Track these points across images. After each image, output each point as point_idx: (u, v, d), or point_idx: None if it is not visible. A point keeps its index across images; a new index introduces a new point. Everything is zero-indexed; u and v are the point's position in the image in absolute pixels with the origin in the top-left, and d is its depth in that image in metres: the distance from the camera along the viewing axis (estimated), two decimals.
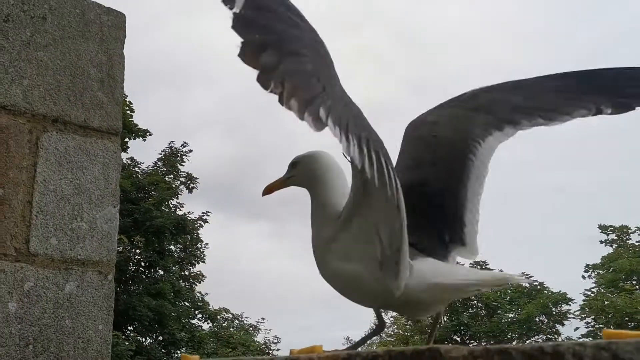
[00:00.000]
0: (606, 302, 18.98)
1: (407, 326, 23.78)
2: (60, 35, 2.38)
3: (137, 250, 19.49)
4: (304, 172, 2.04)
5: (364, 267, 1.76)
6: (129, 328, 19.31)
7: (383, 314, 1.96)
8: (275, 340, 27.27)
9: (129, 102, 19.14)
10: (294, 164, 2.07)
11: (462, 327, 21.59)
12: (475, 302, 22.61)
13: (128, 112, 18.86)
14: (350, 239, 1.80)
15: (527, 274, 22.99)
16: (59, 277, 2.21)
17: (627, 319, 17.53)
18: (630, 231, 25.14)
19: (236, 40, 1.41)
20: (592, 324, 19.67)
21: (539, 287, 22.85)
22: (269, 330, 27.58)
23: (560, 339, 20.59)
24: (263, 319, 27.35)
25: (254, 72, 1.40)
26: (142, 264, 20.31)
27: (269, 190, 2.12)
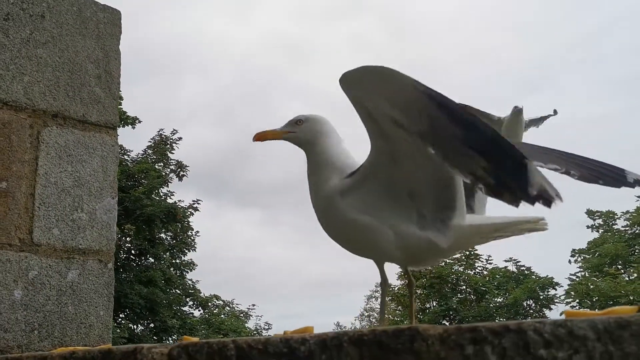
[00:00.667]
0: (591, 286, 19.36)
1: (397, 311, 24.10)
2: (58, 32, 2.46)
3: (128, 239, 19.53)
4: (309, 130, 2.12)
5: (392, 221, 1.90)
6: (121, 316, 19.41)
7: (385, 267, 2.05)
8: (267, 327, 27.52)
9: None
10: (299, 122, 2.14)
11: (451, 312, 21.91)
12: (464, 287, 22.92)
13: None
14: (371, 195, 1.93)
15: (514, 259, 23.32)
16: (61, 266, 2.32)
17: (611, 302, 17.89)
18: (616, 216, 25.53)
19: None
20: (577, 307, 20.06)
21: (526, 272, 23.21)
22: (260, 316, 27.84)
23: None
24: (254, 305, 27.60)
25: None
26: (133, 252, 20.38)
27: (261, 137, 2.19)
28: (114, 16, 2.69)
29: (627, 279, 19.36)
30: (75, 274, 2.35)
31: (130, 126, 20.05)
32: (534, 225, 1.98)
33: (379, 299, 2.28)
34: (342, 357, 1.16)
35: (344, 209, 1.94)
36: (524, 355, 1.06)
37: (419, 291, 23.16)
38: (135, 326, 19.80)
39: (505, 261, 23.80)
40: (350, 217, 1.93)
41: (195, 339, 1.54)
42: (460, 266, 23.34)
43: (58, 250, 2.32)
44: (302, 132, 2.12)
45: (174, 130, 21.73)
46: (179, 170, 21.33)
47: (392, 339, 1.14)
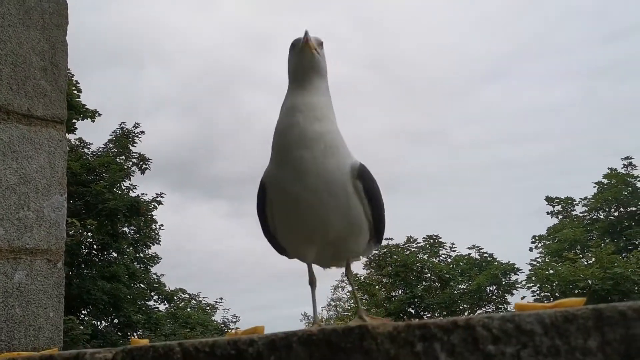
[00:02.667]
0: (551, 271, 19.86)
1: (364, 300, 24.29)
2: (0, 23, 2.35)
3: (89, 234, 19.10)
4: (324, 59, 1.88)
5: None
6: (84, 312, 19.02)
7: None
8: (234, 319, 27.37)
9: (76, 81, 18.54)
10: (321, 45, 1.88)
11: (416, 300, 22.17)
12: (429, 275, 23.22)
13: (75, 92, 18.28)
14: None
15: (477, 246, 23.77)
16: (7, 267, 2.22)
17: (571, 286, 18.40)
18: (574, 202, 26.26)
19: None
20: (537, 292, 20.57)
21: (489, 258, 23.64)
22: (228, 309, 27.65)
23: (509, 308, 21.42)
24: (221, 298, 27.40)
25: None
26: (95, 247, 19.95)
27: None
28: (60, 6, 2.58)
29: (585, 263, 19.91)
30: (23, 274, 2.26)
31: (89, 119, 19.55)
32: None
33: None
34: (291, 358, 1.13)
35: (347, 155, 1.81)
36: (472, 351, 1.05)
37: (384, 280, 23.40)
38: (99, 322, 19.43)
39: (469, 248, 24.21)
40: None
41: (144, 341, 1.49)
42: (425, 254, 23.62)
43: (3, 250, 2.23)
44: (323, 58, 1.87)
45: (137, 123, 21.32)
46: (141, 163, 20.94)
47: (341, 338, 1.11)
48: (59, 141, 2.45)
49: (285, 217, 1.80)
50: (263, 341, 1.15)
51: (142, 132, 21.27)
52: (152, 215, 20.94)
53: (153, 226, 21.31)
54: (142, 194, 20.58)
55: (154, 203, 20.82)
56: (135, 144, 21.04)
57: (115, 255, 20.28)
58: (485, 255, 23.98)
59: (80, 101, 18.65)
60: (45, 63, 2.47)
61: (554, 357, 1.01)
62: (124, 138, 20.97)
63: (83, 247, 19.37)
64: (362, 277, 23.05)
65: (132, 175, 20.65)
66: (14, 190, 2.29)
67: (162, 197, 21.00)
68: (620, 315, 0.99)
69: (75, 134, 19.65)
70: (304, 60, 1.81)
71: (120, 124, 21.27)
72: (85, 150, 20.58)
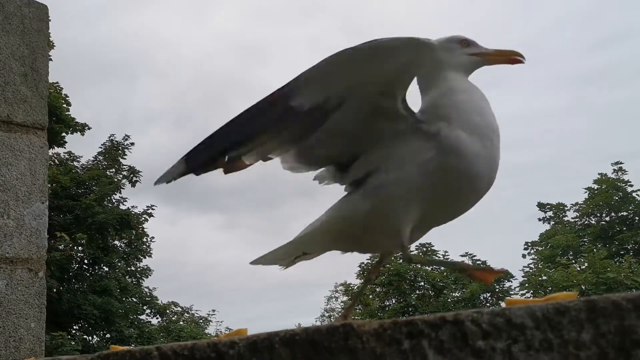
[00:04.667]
0: (544, 277, 19.85)
1: (357, 310, 24.19)
2: None
3: (80, 248, 18.92)
4: None
5: None
6: (75, 327, 18.80)
7: None
8: (228, 332, 27.12)
9: (65, 95, 18.46)
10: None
11: (409, 309, 22.10)
12: (422, 283, 23.15)
13: (64, 105, 18.19)
14: None
15: (470, 254, 23.76)
16: None
17: (564, 292, 18.39)
18: (566, 208, 26.33)
19: None
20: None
21: (482, 266, 23.62)
22: (221, 322, 27.44)
23: None
24: (214, 311, 27.19)
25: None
26: (86, 261, 19.76)
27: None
28: (41, 11, 2.54)
29: (578, 268, 19.93)
30: (2, 284, 2.19)
31: (79, 133, 19.43)
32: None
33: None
34: (274, 359, 1.09)
35: None
36: (461, 348, 1.01)
37: (377, 289, 23.30)
38: (90, 338, 19.20)
39: (462, 256, 24.20)
40: None
41: (123, 348, 1.44)
42: None
43: None
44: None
45: (126, 135, 21.22)
46: (131, 175, 20.82)
47: (325, 337, 1.07)
48: (40, 148, 2.40)
49: (456, 186, 1.79)
50: (244, 343, 1.10)
51: (132, 144, 21.20)
52: (143, 228, 20.78)
53: (144, 239, 21.14)
54: (133, 206, 20.46)
55: (144, 216, 20.68)
56: (125, 156, 20.93)
57: (107, 269, 20.09)
58: (478, 262, 23.96)
59: (70, 114, 18.55)
60: (26, 69, 2.42)
61: (546, 351, 0.96)
62: (113, 150, 20.85)
63: (74, 261, 19.18)
64: (354, 287, 22.93)
65: (123, 188, 20.52)
66: None
67: (152, 209, 20.87)
68: (614, 306, 0.95)
69: (64, 148, 19.55)
70: None
71: (109, 136, 21.19)
72: (75, 163, 20.46)
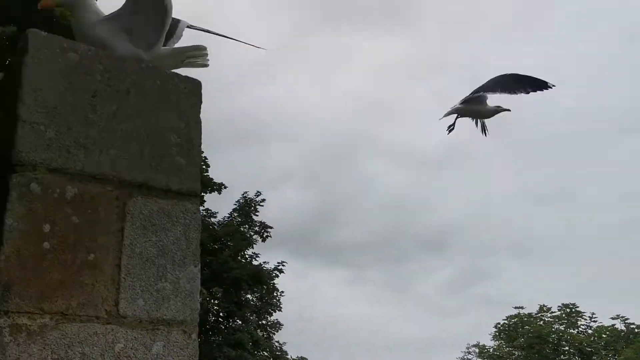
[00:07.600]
0: None
1: None
2: (142, 106, 2.54)
3: (216, 301, 19.81)
4: None
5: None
6: None
7: None
8: None
9: (204, 157, 19.88)
10: None
11: None
12: (567, 347, 21.22)
13: (203, 167, 19.58)
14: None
15: (622, 316, 21.42)
16: (146, 338, 2.28)
17: None
18: None
19: None
20: None
21: (637, 330, 21.22)
22: None
23: None
24: None
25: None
26: (221, 314, 20.60)
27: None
28: (195, 86, 2.74)
29: None
30: (160, 345, 2.30)
31: (216, 192, 20.74)
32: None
33: None
34: None
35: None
36: None
37: (516, 352, 21.70)
38: None
39: (612, 318, 21.93)
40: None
41: None
42: (561, 324, 21.70)
43: (143, 321, 2.30)
44: None
45: (258, 192, 22.24)
46: (262, 231, 21.65)
47: None
48: (193, 213, 2.54)
49: None
50: None
51: (264, 200, 22.13)
52: (274, 284, 21.36)
53: (275, 293, 21.68)
54: (264, 262, 21.16)
55: (275, 271, 21.29)
56: (257, 213, 21.86)
57: (240, 322, 20.77)
58: (632, 326, 21.55)
59: (208, 175, 19.89)
60: (181, 140, 2.61)
61: None
62: (246, 207, 21.88)
63: (210, 314, 20.07)
64: (490, 349, 21.56)
65: (255, 244, 21.36)
66: (153, 262, 2.38)
67: (283, 265, 21.45)
68: None
69: (203, 206, 20.89)
70: None
71: (243, 194, 22.32)
72: (212, 219, 21.70)
